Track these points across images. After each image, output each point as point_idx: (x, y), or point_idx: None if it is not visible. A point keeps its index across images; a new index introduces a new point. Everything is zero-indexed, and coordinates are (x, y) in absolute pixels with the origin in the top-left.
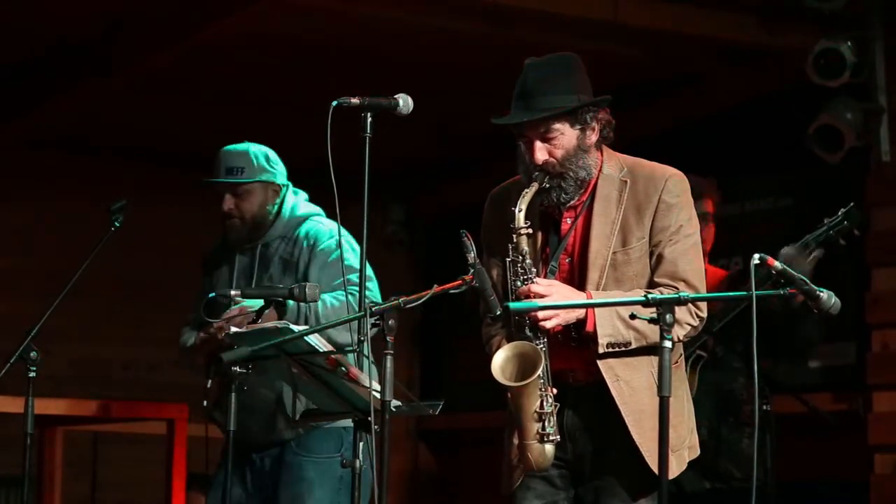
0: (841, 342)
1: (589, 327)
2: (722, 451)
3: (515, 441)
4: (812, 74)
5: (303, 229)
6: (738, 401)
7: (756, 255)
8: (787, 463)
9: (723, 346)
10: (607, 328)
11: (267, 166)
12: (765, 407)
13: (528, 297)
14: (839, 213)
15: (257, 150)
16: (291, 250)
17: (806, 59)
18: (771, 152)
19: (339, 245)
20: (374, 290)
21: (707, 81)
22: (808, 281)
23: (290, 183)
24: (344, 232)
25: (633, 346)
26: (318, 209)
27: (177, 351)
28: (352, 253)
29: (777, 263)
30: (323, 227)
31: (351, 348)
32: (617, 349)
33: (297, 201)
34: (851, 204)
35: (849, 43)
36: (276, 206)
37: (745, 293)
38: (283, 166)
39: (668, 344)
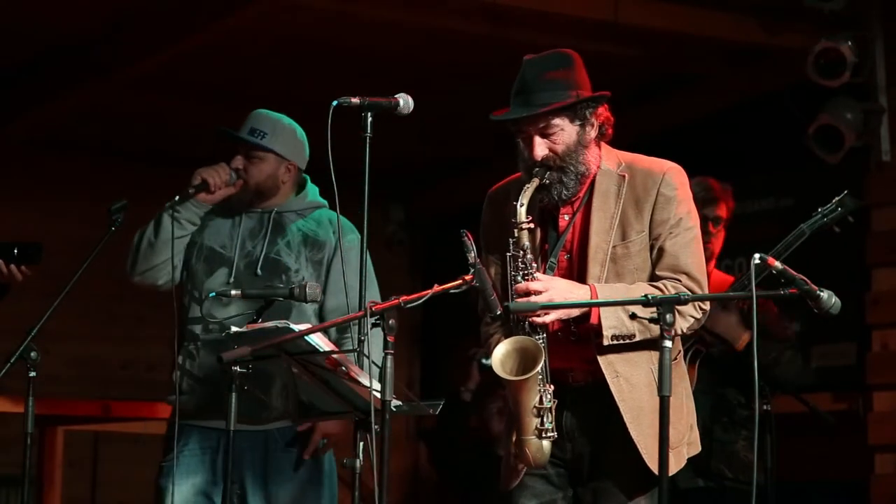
0: (841, 342)
1: (593, 320)
2: (714, 451)
3: (514, 437)
4: (812, 74)
5: (323, 213)
6: (731, 404)
7: (756, 255)
8: (787, 463)
9: (719, 349)
10: (612, 320)
11: (291, 143)
12: (765, 407)
13: (526, 293)
14: (833, 201)
15: (288, 124)
16: (315, 228)
17: (806, 59)
18: (771, 152)
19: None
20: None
21: (707, 81)
22: (808, 281)
23: (307, 175)
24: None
25: (638, 338)
26: (326, 202)
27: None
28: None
29: (777, 263)
30: (345, 220)
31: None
32: (621, 342)
33: (314, 192)
34: (846, 192)
35: (849, 42)
36: (287, 183)
37: (745, 293)
38: (306, 151)
39: (668, 344)
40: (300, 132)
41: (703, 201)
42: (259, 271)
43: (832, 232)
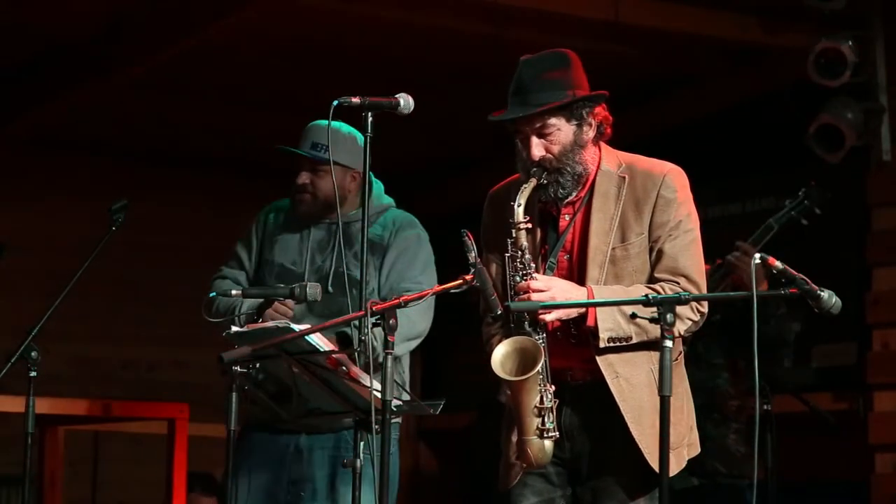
0: (841, 342)
1: (590, 322)
2: (707, 449)
3: (514, 438)
4: (813, 74)
5: (389, 215)
6: (721, 396)
7: (757, 255)
8: (787, 463)
9: (703, 343)
10: (608, 322)
11: (353, 151)
12: (765, 406)
13: (526, 291)
14: (800, 194)
15: (347, 133)
16: (381, 233)
17: (806, 59)
18: (771, 152)
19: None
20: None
21: (707, 81)
22: (808, 281)
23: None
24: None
25: (634, 340)
26: (392, 200)
27: (177, 350)
28: (428, 248)
29: (778, 263)
30: (410, 217)
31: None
32: (618, 343)
33: (379, 190)
34: (812, 183)
35: (849, 42)
36: (354, 191)
37: (745, 293)
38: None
39: (669, 343)
40: (359, 137)
41: None
42: (330, 288)
43: (801, 225)
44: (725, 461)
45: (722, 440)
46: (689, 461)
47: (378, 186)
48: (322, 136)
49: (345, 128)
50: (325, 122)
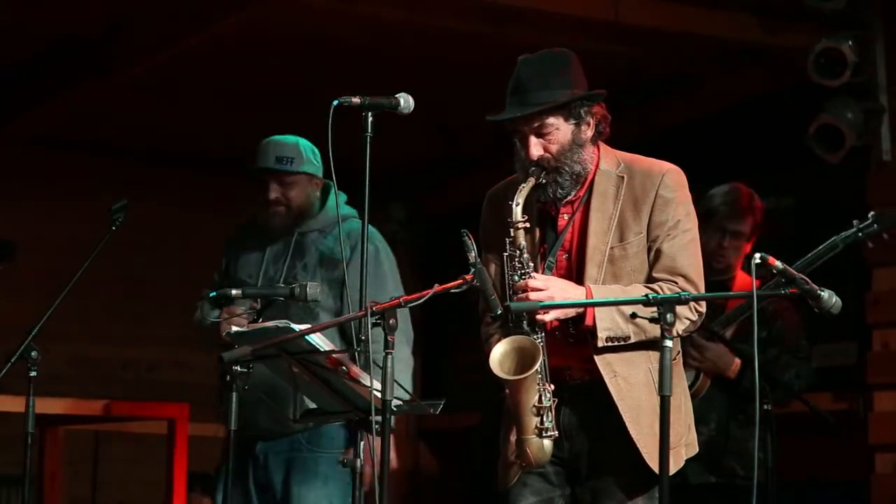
0: (841, 342)
1: (588, 321)
2: (729, 448)
3: (513, 437)
4: (813, 74)
5: (344, 227)
6: (749, 400)
7: (757, 255)
8: (787, 463)
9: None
10: (606, 322)
11: (313, 160)
12: (765, 406)
13: (525, 290)
14: (870, 216)
15: (305, 143)
16: (332, 246)
17: (806, 59)
18: (771, 152)
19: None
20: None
21: (707, 81)
22: (808, 280)
23: (333, 183)
24: (379, 236)
25: (633, 339)
26: (355, 212)
27: (177, 350)
28: (387, 261)
29: (778, 263)
30: (369, 229)
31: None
32: (616, 343)
33: (341, 201)
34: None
35: (850, 42)
36: (318, 199)
37: (745, 293)
38: (321, 162)
39: (668, 343)
40: (313, 147)
41: (725, 215)
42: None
43: (866, 247)
44: (745, 464)
45: (744, 443)
46: (708, 459)
47: (341, 197)
48: (283, 149)
49: (301, 140)
50: (280, 137)
